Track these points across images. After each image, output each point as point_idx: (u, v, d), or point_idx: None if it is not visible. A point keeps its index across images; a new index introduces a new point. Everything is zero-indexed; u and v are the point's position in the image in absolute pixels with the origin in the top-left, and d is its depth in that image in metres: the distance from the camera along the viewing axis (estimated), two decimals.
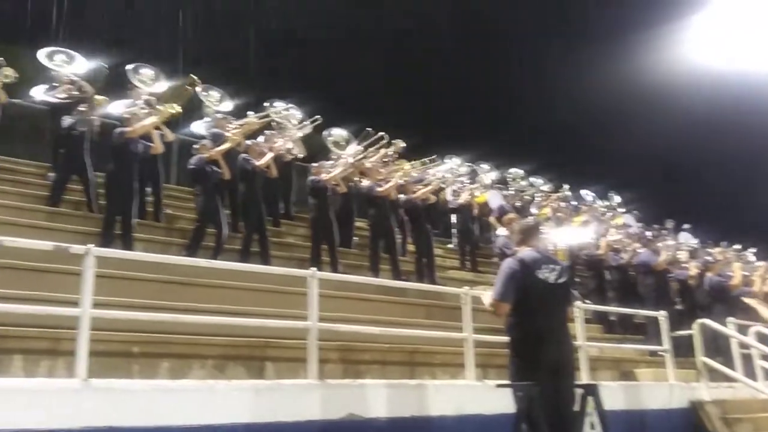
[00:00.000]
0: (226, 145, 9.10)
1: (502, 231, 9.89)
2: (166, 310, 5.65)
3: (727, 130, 24.08)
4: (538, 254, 4.84)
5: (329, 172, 9.94)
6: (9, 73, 9.63)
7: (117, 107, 9.70)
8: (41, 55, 10.06)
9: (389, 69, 22.85)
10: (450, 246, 12.85)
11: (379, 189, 9.91)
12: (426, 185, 11.01)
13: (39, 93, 10.03)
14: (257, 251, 8.78)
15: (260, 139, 10.61)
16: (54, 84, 9.84)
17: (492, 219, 12.77)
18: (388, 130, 11.58)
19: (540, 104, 24.12)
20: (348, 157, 10.59)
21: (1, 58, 9.92)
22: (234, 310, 6.21)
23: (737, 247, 13.89)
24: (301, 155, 11.08)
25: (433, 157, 12.29)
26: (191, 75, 10.06)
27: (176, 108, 9.01)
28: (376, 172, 10.29)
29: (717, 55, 21.39)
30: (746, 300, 10.11)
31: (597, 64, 23.44)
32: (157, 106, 9.03)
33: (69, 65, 10.08)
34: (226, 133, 9.44)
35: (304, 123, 11.20)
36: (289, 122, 11.23)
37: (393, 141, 12.38)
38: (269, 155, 9.44)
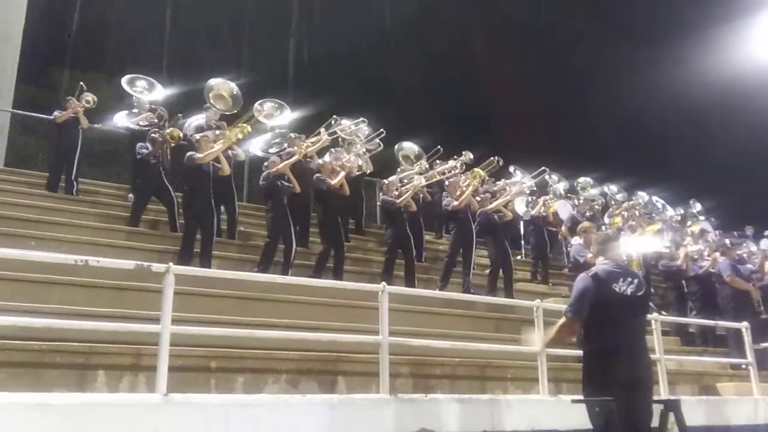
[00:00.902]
0: (293, 159, 9.29)
1: (576, 240, 9.70)
2: (240, 325, 5.80)
3: None
4: (614, 267, 4.72)
5: (399, 191, 9.97)
6: (90, 99, 10.16)
7: (190, 128, 10.05)
8: (124, 81, 10.52)
9: (455, 84, 22.87)
10: (519, 258, 12.70)
11: (455, 204, 9.92)
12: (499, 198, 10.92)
13: (121, 119, 10.49)
14: (330, 266, 8.92)
15: (327, 156, 10.80)
16: (134, 110, 10.28)
17: (563, 230, 12.58)
18: (453, 143, 11.61)
19: (609, 111, 23.65)
20: (418, 177, 10.61)
21: (83, 84, 10.46)
22: (306, 324, 6.33)
23: None
24: (368, 171, 11.19)
25: (496, 158, 12.17)
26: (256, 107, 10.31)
27: (246, 129, 9.25)
28: (455, 187, 10.29)
29: None
30: None
31: (665, 67, 22.85)
32: (227, 129, 9.28)
33: (149, 92, 10.51)
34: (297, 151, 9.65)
35: (372, 138, 11.31)
36: (357, 138, 11.37)
37: (464, 152, 12.39)
38: (342, 174, 9.57)
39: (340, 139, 11.30)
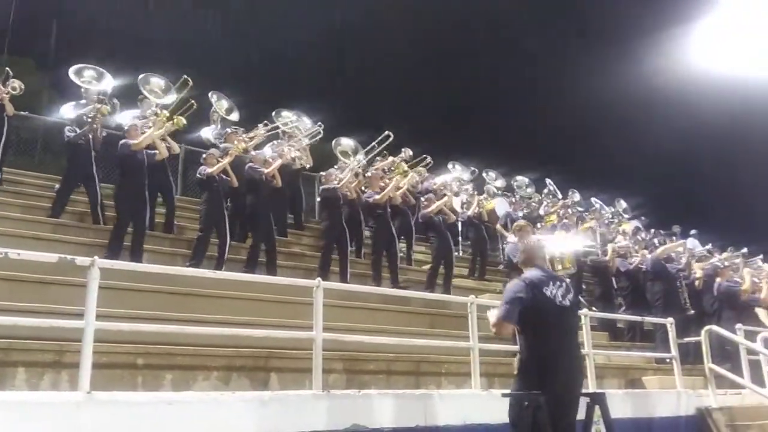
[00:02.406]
0: (228, 159, 9.11)
1: (511, 238, 9.85)
2: (170, 321, 5.67)
3: (735, 134, 24.04)
4: (543, 273, 4.82)
5: (339, 179, 9.93)
6: (16, 85, 9.69)
7: (125, 118, 9.76)
8: (71, 72, 10.06)
9: (394, 79, 22.94)
10: (457, 254, 12.82)
11: (376, 197, 9.90)
12: (436, 198, 10.97)
13: (68, 110, 10.04)
14: (263, 261, 8.81)
15: (267, 148, 10.66)
16: (81, 101, 9.86)
17: (499, 227, 12.78)
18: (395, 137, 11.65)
19: (547, 110, 24.14)
20: (354, 163, 10.60)
21: (9, 70, 9.98)
22: (239, 320, 6.22)
23: (744, 251, 13.78)
24: (308, 165, 11.09)
25: (427, 159, 12.26)
26: (185, 77, 10.03)
27: (181, 121, 9.04)
28: (377, 180, 10.28)
29: (723, 59, 21.31)
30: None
31: (604, 69, 23.46)
32: (164, 119, 9.06)
33: (98, 82, 10.09)
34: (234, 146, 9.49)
35: (312, 131, 11.23)
36: (297, 131, 11.27)
37: (403, 149, 12.43)
38: (277, 163, 9.49)
39: (281, 132, 11.20)
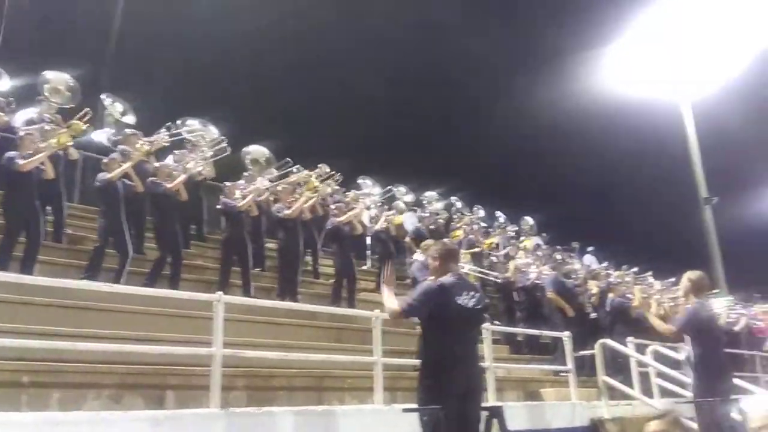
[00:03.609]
0: (130, 163, 8.78)
1: (418, 255, 9.93)
2: (60, 336, 5.40)
3: (638, 156, 25.38)
4: (457, 280, 4.86)
5: (243, 193, 9.73)
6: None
7: (21, 118, 9.25)
8: None
9: (310, 91, 22.88)
10: (364, 267, 12.89)
11: (287, 212, 9.81)
12: (347, 210, 10.96)
13: None
14: (168, 274, 8.53)
15: (170, 158, 10.35)
16: None
17: (408, 240, 12.93)
18: (306, 151, 11.55)
19: (456, 129, 24.72)
20: (262, 182, 10.42)
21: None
22: (135, 336, 5.99)
23: (635, 270, 14.56)
24: (210, 176, 10.82)
25: (337, 175, 12.19)
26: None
27: (79, 127, 8.63)
28: (287, 194, 10.19)
29: (626, 83, 22.38)
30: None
31: (515, 91, 24.30)
32: (59, 126, 8.62)
33: None
34: (134, 150, 9.13)
35: (218, 141, 10.97)
36: (202, 141, 10.99)
37: (319, 165, 12.38)
38: (181, 178, 9.11)
39: (185, 140, 10.90)
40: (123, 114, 10.80)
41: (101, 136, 10.62)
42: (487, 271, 11.21)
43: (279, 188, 10.45)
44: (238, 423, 5.01)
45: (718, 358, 6.63)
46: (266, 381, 6.42)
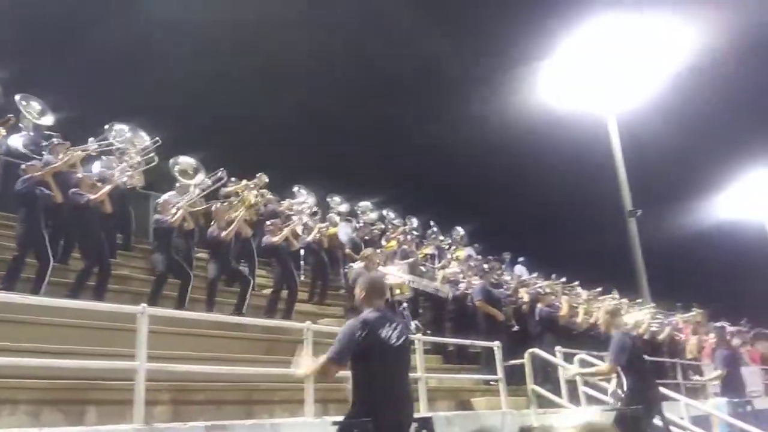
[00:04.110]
0: (56, 165, 8.46)
1: (357, 264, 9.89)
2: None
3: (564, 169, 26.12)
4: (380, 314, 4.81)
5: (176, 208, 9.48)
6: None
7: None
8: None
9: (246, 100, 22.65)
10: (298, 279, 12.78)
11: (222, 234, 9.64)
12: (281, 223, 10.84)
13: None
14: (92, 284, 8.23)
15: (97, 164, 10.03)
16: None
17: (343, 251, 12.92)
18: (246, 163, 11.36)
19: (390, 140, 24.91)
20: (193, 190, 10.19)
21: None
22: (55, 349, 5.73)
23: (563, 279, 14.94)
24: (139, 185, 10.53)
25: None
26: None
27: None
28: (222, 214, 10.01)
29: (558, 97, 23.01)
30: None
31: (447, 104, 24.67)
32: None
33: None
34: (59, 161, 8.80)
35: (147, 148, 10.69)
36: (131, 148, 10.68)
37: (258, 174, 12.19)
38: (106, 188, 8.78)
39: (113, 148, 10.58)
40: (40, 115, 10.36)
41: (16, 141, 10.15)
42: (433, 285, 11.20)
43: (213, 207, 10.24)
44: None
45: (644, 377, 6.91)
46: (193, 395, 6.25)
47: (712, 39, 22.36)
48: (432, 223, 16.78)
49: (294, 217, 11.51)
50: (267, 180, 12.18)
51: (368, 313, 4.77)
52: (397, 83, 25.04)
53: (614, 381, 7.40)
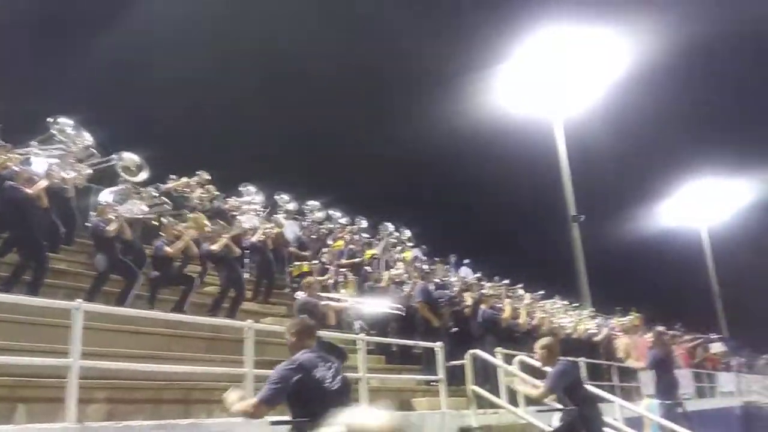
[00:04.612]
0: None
1: (300, 294, 9.63)
2: None
3: (512, 174, 26.61)
4: (314, 354, 4.77)
5: (116, 213, 9.23)
6: None
7: None
8: None
9: (195, 97, 22.40)
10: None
11: (168, 250, 9.47)
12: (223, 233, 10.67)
13: None
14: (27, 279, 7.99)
15: (37, 159, 9.74)
16: None
17: (289, 250, 12.86)
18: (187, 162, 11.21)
19: (341, 142, 25.01)
20: (138, 208, 9.95)
21: None
22: None
23: (507, 282, 15.20)
24: (81, 181, 10.25)
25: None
26: None
27: None
28: (170, 229, 9.84)
29: (507, 103, 23.41)
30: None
31: (398, 108, 24.89)
32: None
33: None
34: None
35: (88, 147, 10.44)
36: (72, 145, 10.41)
37: (198, 171, 11.98)
38: (42, 183, 8.51)
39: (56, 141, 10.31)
40: None
41: None
42: (383, 307, 11.13)
43: (163, 220, 10.05)
44: None
45: (586, 404, 7.03)
46: (129, 393, 6.14)
47: (650, 48, 23.19)
48: (386, 224, 16.69)
49: (236, 221, 11.35)
50: (209, 177, 12.01)
51: (301, 355, 4.70)
52: (347, 83, 25.10)
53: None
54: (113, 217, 9.04)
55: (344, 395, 4.97)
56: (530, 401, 9.10)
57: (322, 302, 8.77)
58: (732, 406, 20.30)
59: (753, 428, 20.35)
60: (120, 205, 9.57)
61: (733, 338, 27.92)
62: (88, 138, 10.68)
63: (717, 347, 22.06)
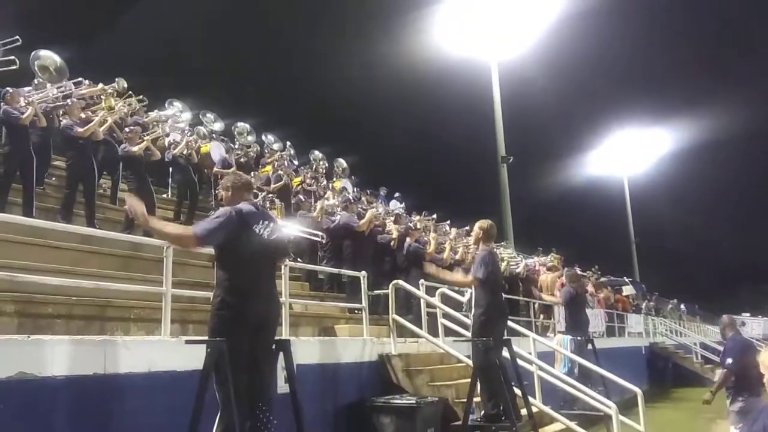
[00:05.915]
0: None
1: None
2: None
3: (448, 112, 26.67)
4: (254, 208, 4.76)
5: (27, 101, 8.68)
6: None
7: None
8: None
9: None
10: (164, 196, 12.30)
11: (79, 130, 8.97)
12: (144, 135, 10.21)
13: None
14: None
15: None
16: None
17: (214, 171, 12.50)
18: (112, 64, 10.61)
19: (300, 80, 24.49)
20: (51, 91, 9.37)
21: None
22: None
23: (434, 216, 15.36)
24: None
25: (141, 97, 11.46)
26: None
27: None
28: (77, 110, 9.28)
29: (445, 43, 23.19)
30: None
31: (351, 52, 24.47)
32: None
33: None
34: None
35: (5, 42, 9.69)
36: None
37: (117, 78, 11.36)
38: None
39: None
40: None
41: None
42: (306, 231, 11.02)
43: (69, 101, 9.45)
44: (1, 351, 4.55)
45: (498, 302, 7.26)
46: (41, 308, 5.89)
47: None
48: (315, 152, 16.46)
49: (158, 127, 10.89)
50: (125, 85, 11.40)
51: (243, 205, 4.70)
52: (290, 19, 24.51)
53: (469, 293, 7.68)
54: (24, 103, 8.56)
55: (278, 254, 5.08)
56: (449, 332, 9.37)
57: None
58: (639, 345, 21.65)
59: (656, 366, 22.00)
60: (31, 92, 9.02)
61: (643, 282, 29.44)
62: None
63: (628, 290, 23.24)
